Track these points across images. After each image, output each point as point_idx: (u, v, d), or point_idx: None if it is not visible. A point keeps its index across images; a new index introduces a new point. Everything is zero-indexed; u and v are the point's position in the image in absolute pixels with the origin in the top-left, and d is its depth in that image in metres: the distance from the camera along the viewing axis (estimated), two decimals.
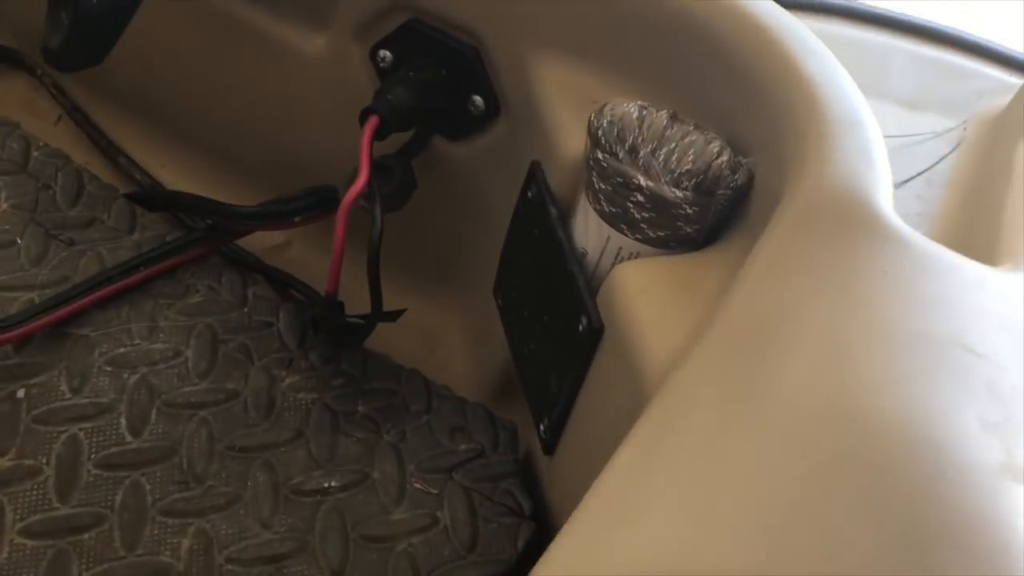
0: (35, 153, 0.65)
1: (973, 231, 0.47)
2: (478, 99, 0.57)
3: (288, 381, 0.55)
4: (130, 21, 0.50)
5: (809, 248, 0.36)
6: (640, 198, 0.44)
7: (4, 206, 0.60)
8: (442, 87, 0.57)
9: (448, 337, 0.68)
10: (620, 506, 0.29)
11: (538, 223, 0.51)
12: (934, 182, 0.56)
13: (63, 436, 0.49)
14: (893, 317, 0.33)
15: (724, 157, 0.44)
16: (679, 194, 0.44)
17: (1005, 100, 0.67)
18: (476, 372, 0.64)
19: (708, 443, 0.30)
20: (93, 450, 0.49)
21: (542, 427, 0.51)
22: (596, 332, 0.45)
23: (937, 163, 0.60)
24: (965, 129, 0.63)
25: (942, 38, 0.72)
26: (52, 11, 0.47)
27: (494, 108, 0.57)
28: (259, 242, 0.68)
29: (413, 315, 0.59)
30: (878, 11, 0.70)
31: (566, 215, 0.50)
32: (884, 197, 0.38)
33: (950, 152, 0.61)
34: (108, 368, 0.53)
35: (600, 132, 0.45)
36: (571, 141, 0.50)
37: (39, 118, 0.77)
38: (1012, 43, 0.74)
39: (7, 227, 0.59)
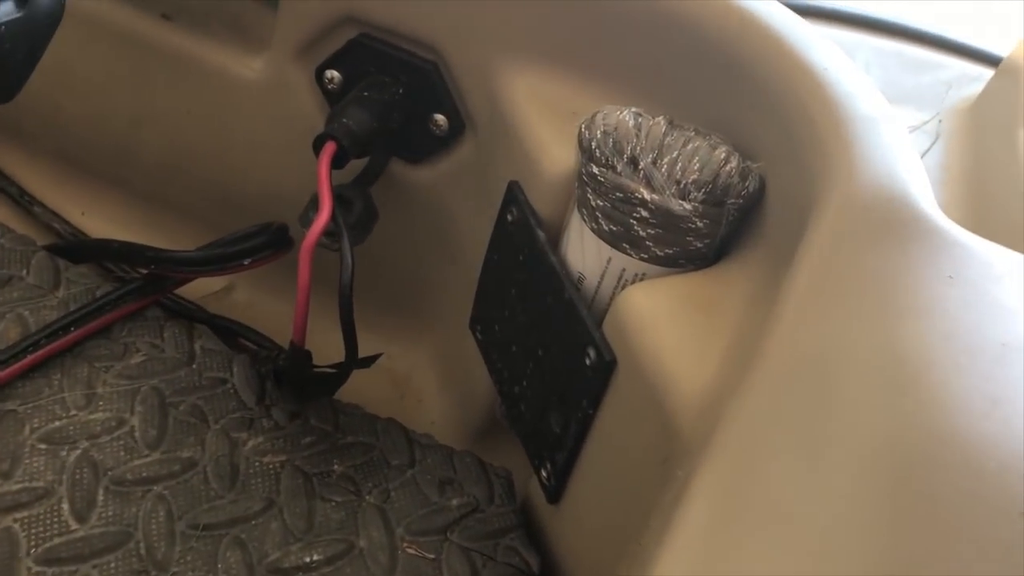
0: None
1: (995, 224, 0.44)
2: (440, 118, 0.52)
3: (251, 444, 0.49)
4: (45, 50, 0.44)
5: (859, 259, 0.32)
6: (644, 213, 0.40)
7: None
8: (400, 107, 0.51)
9: (417, 379, 0.62)
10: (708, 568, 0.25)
11: (522, 248, 0.47)
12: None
13: None
14: (972, 328, 0.29)
15: (732, 163, 0.40)
16: (687, 206, 0.40)
17: (974, 90, 0.65)
18: (453, 415, 0.59)
19: (793, 493, 0.26)
20: (33, 544, 0.43)
21: (544, 473, 0.46)
22: (607, 365, 0.40)
23: (921, 157, 0.57)
24: (940, 121, 0.61)
25: (902, 32, 0.70)
26: None
27: (458, 126, 0.52)
28: (197, 289, 0.62)
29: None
30: (838, 8, 0.68)
31: (555, 238, 0.45)
32: (925, 195, 0.35)
33: (931, 146, 0.59)
34: (42, 446, 0.46)
35: (594, 144, 0.41)
36: (553, 157, 0.46)
37: None
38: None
39: None
